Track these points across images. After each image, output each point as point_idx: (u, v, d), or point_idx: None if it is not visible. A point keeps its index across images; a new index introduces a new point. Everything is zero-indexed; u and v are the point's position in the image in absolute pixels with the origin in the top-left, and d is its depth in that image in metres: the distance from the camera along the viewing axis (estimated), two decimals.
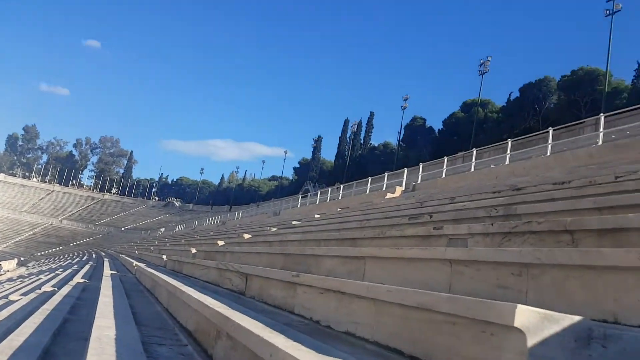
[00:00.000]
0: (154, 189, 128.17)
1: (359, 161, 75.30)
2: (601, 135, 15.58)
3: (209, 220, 60.19)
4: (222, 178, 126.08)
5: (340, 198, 30.95)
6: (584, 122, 24.65)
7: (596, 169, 9.65)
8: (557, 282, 2.38)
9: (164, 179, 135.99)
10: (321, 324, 3.17)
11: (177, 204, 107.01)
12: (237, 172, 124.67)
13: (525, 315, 1.64)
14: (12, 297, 9.77)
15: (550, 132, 17.84)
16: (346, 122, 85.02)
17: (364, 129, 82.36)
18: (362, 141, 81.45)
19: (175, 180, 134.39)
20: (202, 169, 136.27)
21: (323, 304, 3.26)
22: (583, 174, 8.73)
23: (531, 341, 1.61)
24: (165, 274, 8.22)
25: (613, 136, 16.47)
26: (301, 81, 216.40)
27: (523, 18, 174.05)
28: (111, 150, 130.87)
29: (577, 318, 1.70)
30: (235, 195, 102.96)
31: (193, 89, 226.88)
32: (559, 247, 3.34)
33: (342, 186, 35.87)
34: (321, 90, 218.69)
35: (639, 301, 1.96)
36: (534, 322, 1.64)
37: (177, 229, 63.65)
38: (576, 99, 45.38)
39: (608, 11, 38.61)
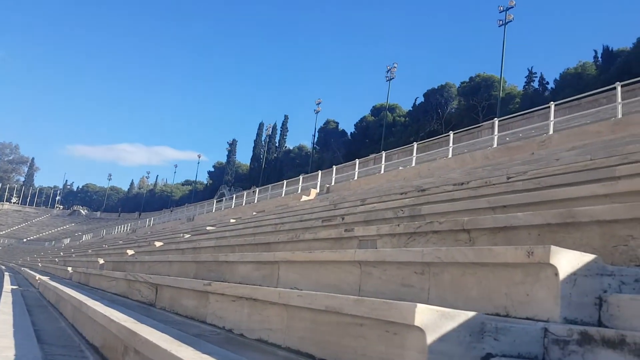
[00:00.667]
0: (58, 197, 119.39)
1: (274, 164, 75.29)
2: (496, 138, 16.82)
3: (118, 228, 57.19)
4: (132, 184, 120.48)
5: (256, 202, 30.75)
6: (482, 125, 26.50)
7: (491, 169, 10.40)
8: (455, 280, 2.53)
9: (68, 187, 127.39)
10: (234, 332, 3.15)
11: (83, 212, 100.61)
12: (147, 177, 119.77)
13: (424, 314, 1.73)
14: None
15: (451, 135, 18.96)
16: (261, 125, 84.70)
17: (279, 132, 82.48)
18: (277, 144, 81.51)
19: (81, 187, 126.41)
20: (110, 175, 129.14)
21: (236, 312, 3.24)
22: (480, 174, 9.37)
23: (430, 338, 1.71)
24: (70, 287, 7.75)
25: (507, 138, 17.87)
26: (214, 84, 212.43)
27: (427, 27, 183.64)
28: (10, 157, 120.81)
29: (471, 314, 1.82)
30: (147, 201, 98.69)
31: (98, 91, 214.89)
32: (457, 245, 3.57)
33: (258, 189, 35.70)
34: (235, 93, 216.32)
35: (526, 295, 2.12)
36: (433, 319, 1.74)
37: (83, 239, 59.90)
38: (474, 103, 48.62)
39: (501, 21, 41.77)
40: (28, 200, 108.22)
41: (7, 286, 11.91)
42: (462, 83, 52.91)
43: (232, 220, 18.72)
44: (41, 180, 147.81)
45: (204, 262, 6.43)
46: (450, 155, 17.88)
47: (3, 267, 32.55)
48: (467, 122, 35.88)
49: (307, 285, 3.68)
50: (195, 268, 6.50)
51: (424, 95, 56.20)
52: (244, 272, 5.05)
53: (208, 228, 17.18)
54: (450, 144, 18.50)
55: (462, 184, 7.68)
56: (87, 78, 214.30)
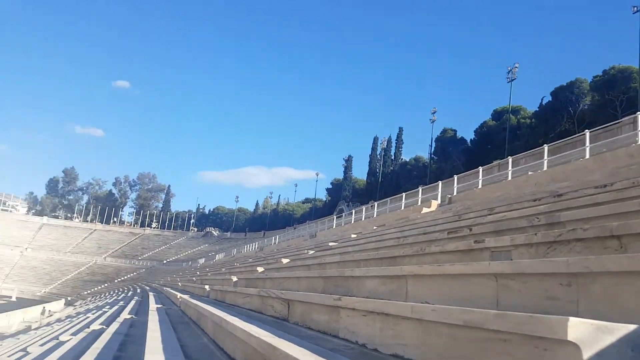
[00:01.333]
0: (192, 220, 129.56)
1: (391, 177, 74.89)
2: None
3: (247, 247, 60.66)
4: (257, 204, 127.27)
5: (375, 216, 30.74)
6: (621, 121, 23.89)
7: (638, 169, 9.31)
8: (608, 290, 2.31)
9: (201, 210, 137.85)
10: (367, 347, 3.14)
11: (215, 233, 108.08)
12: (270, 198, 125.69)
13: (578, 328, 1.60)
14: (62, 338, 10.07)
15: (587, 134, 17.35)
16: (375, 139, 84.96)
17: (394, 144, 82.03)
18: (393, 157, 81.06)
19: (212, 210, 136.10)
20: (237, 197, 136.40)
21: (367, 326, 3.24)
22: (625, 175, 8.43)
23: (586, 354, 1.58)
24: (209, 305, 8.29)
25: None
26: (327, 102, 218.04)
27: (547, 22, 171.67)
28: (149, 186, 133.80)
29: (632, 327, 1.66)
30: (271, 220, 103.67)
31: (222, 120, 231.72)
32: (606, 253, 3.23)
33: (376, 203, 35.69)
34: (348, 110, 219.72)
35: None
36: (588, 334, 1.61)
37: (216, 258, 64.31)
38: (611, 98, 44.12)
39: (635, 8, 37.66)
40: (166, 224, 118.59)
41: (153, 305, 13.12)
42: (594, 77, 48.41)
43: (353, 235, 18.88)
44: (177, 206, 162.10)
45: (330, 277, 6.55)
46: (587, 156, 16.34)
47: (147, 288, 36.03)
48: (603, 119, 32.63)
49: (438, 300, 3.57)
50: (322, 283, 6.64)
51: (552, 93, 52.35)
52: (370, 286, 5.05)
53: (330, 244, 17.50)
54: (587, 144, 16.91)
55: (605, 186, 6.97)
56: (211, 106, 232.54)
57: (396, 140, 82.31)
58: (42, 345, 10.48)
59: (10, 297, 65.91)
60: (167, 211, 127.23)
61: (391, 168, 78.74)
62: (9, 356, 10.57)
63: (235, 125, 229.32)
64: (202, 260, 70.28)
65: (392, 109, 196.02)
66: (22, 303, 56.31)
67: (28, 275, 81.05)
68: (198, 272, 35.04)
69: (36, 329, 25.39)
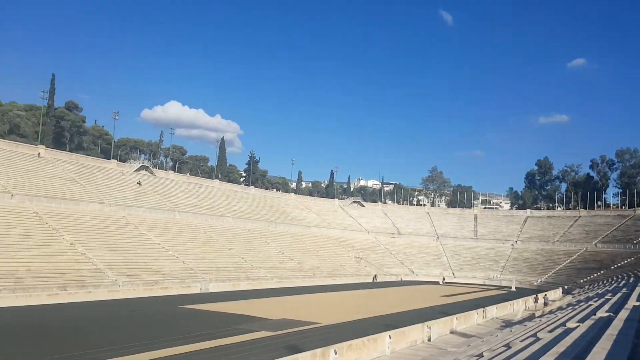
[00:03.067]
0: None
1: None
2: None
3: None
4: None
5: None
6: None
7: None
8: None
9: None
10: None
11: None
12: None
13: None
14: (569, 325, 10.03)
15: None
16: None
17: None
18: None
19: None
20: None
21: None
22: None
23: None
24: None
25: None
26: None
27: None
28: (631, 162, 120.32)
29: None
30: None
31: None
32: None
33: None
34: None
35: None
36: None
37: None
38: None
39: None
40: None
41: None
42: None
43: None
44: None
45: None
46: None
47: None
48: None
49: None
50: None
51: None
52: None
53: None
54: None
55: None
56: None
57: None
58: (550, 331, 10.72)
59: (510, 287, 72.15)
60: None
61: None
62: (521, 340, 11.31)
63: None
64: None
65: None
66: (522, 293, 60.59)
67: (522, 266, 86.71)
68: None
69: (540, 316, 26.54)
